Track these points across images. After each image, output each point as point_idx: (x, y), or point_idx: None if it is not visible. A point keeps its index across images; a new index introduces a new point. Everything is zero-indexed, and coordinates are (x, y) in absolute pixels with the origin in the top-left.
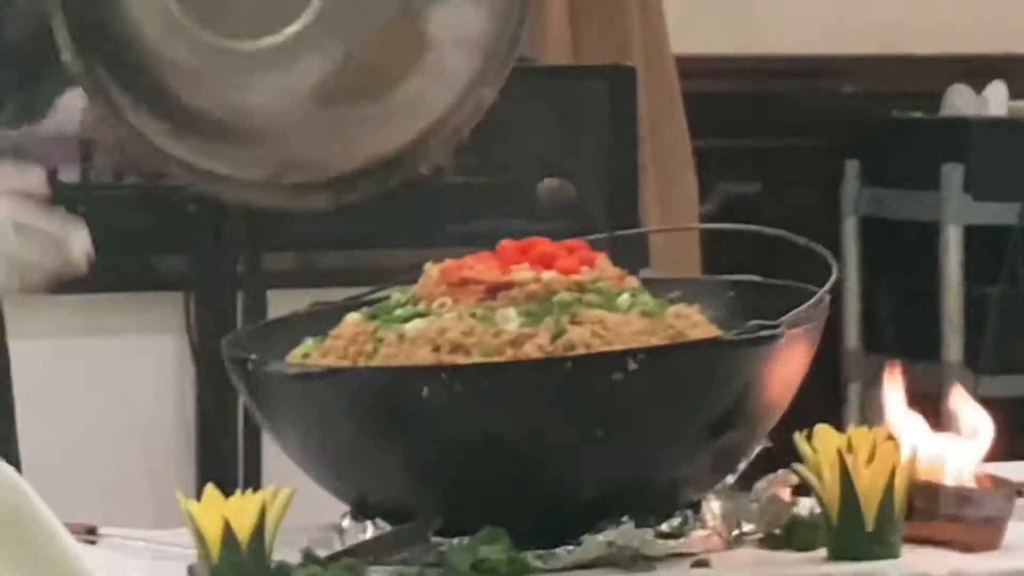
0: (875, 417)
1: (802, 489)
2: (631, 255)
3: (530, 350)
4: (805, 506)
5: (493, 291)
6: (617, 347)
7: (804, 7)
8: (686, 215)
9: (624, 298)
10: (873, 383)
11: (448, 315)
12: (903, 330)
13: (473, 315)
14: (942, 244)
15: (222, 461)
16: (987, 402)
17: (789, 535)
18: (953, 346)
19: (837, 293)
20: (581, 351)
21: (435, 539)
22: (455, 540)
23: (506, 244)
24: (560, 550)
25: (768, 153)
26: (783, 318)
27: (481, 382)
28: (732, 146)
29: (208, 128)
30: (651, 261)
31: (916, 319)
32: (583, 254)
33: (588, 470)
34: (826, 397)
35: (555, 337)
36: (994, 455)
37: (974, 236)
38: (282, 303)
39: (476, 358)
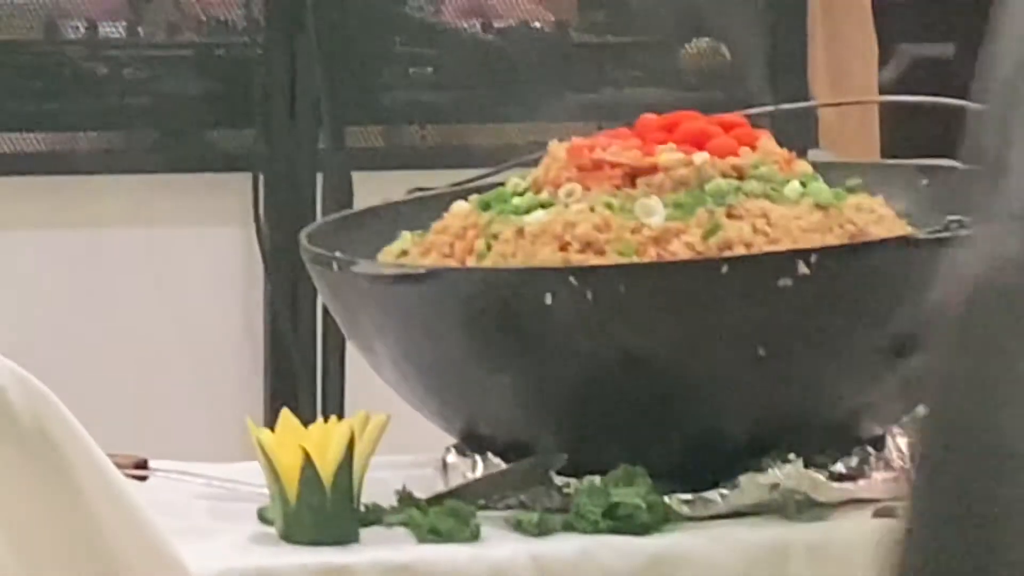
0: None
1: None
2: (797, 134)
3: (678, 249)
4: None
5: (632, 177)
6: (784, 246)
7: None
8: (863, 84)
9: (793, 186)
10: None
11: (577, 206)
12: None
13: (608, 206)
14: None
15: (298, 381)
16: None
17: None
18: None
19: None
20: (740, 251)
21: (558, 479)
22: (583, 480)
23: (648, 119)
24: (712, 493)
25: (963, 8)
26: None
27: (617, 288)
28: None
29: None
30: (821, 141)
31: None
32: (742, 132)
33: (747, 397)
34: None
35: (708, 234)
36: None
37: None
38: (371, 188)
39: (612, 258)
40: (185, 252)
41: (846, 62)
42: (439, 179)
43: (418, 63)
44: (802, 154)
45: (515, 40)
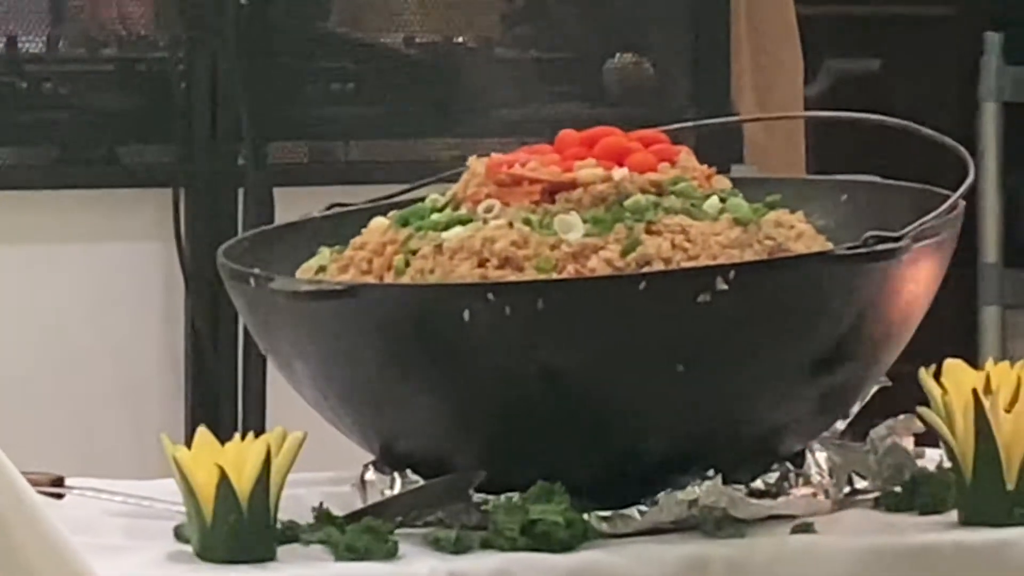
0: (1019, 349)
1: (929, 438)
2: (721, 149)
3: (596, 265)
4: (932, 459)
5: (551, 192)
6: (703, 262)
7: None
8: (788, 100)
9: (712, 202)
10: (1016, 306)
11: (496, 222)
12: None
13: (527, 222)
14: None
15: (217, 398)
16: None
17: (912, 494)
18: None
19: (972, 196)
20: (658, 267)
21: (477, 496)
22: (501, 497)
23: (567, 135)
24: (630, 510)
25: (890, 23)
26: (907, 228)
27: (536, 304)
28: (845, 14)
29: None
30: (746, 157)
31: None
32: (661, 148)
33: (665, 413)
34: (958, 325)
35: (627, 250)
36: None
37: None
38: (293, 204)
39: (530, 274)
40: (106, 268)
41: (771, 77)
42: (362, 195)
43: (341, 79)
44: (726, 170)
45: (438, 55)
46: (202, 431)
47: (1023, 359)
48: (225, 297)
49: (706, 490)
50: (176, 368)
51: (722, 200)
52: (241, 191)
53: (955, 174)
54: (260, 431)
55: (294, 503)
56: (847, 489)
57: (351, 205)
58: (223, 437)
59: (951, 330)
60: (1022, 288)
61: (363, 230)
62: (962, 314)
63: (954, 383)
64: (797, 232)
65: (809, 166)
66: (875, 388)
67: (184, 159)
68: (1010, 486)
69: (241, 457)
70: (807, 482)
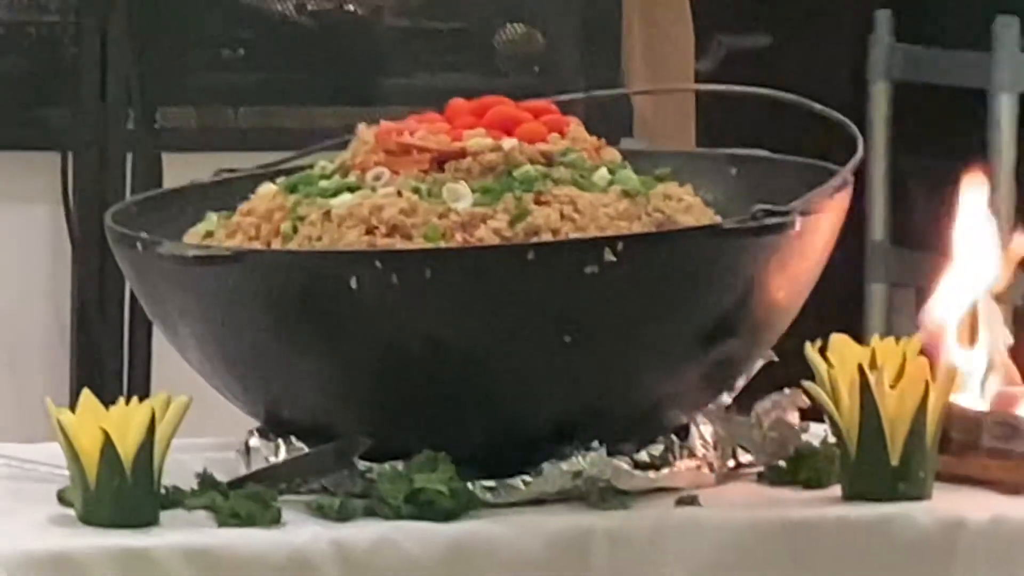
0: (904, 326)
1: (813, 413)
2: (611, 122)
3: (484, 235)
4: (816, 433)
5: (440, 161)
6: (591, 234)
7: None
8: (679, 74)
9: (601, 174)
10: (902, 284)
11: (384, 190)
12: (940, 221)
13: (415, 190)
14: (991, 117)
15: (103, 362)
16: None
17: (796, 468)
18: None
19: (861, 174)
20: (547, 237)
21: (361, 463)
22: (386, 465)
23: (457, 104)
24: (515, 480)
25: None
26: (795, 203)
27: (423, 272)
28: None
29: None
30: (636, 130)
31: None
32: (552, 119)
33: (551, 384)
34: (844, 302)
35: (516, 220)
36: None
37: None
38: (182, 169)
39: (418, 243)
40: None
41: (662, 51)
42: (250, 161)
43: (230, 45)
44: (616, 143)
45: (329, 23)
46: (86, 395)
47: (908, 336)
48: (112, 261)
49: (590, 461)
50: (62, 332)
51: (611, 172)
52: (130, 156)
53: (844, 152)
54: (145, 397)
55: (178, 469)
56: (731, 463)
57: (239, 171)
58: (108, 402)
59: (837, 307)
60: (908, 266)
61: (251, 196)
62: (848, 292)
63: (840, 358)
64: (686, 205)
65: (698, 141)
66: (761, 362)
67: (73, 123)
68: (894, 462)
69: (125, 421)
70: (692, 455)
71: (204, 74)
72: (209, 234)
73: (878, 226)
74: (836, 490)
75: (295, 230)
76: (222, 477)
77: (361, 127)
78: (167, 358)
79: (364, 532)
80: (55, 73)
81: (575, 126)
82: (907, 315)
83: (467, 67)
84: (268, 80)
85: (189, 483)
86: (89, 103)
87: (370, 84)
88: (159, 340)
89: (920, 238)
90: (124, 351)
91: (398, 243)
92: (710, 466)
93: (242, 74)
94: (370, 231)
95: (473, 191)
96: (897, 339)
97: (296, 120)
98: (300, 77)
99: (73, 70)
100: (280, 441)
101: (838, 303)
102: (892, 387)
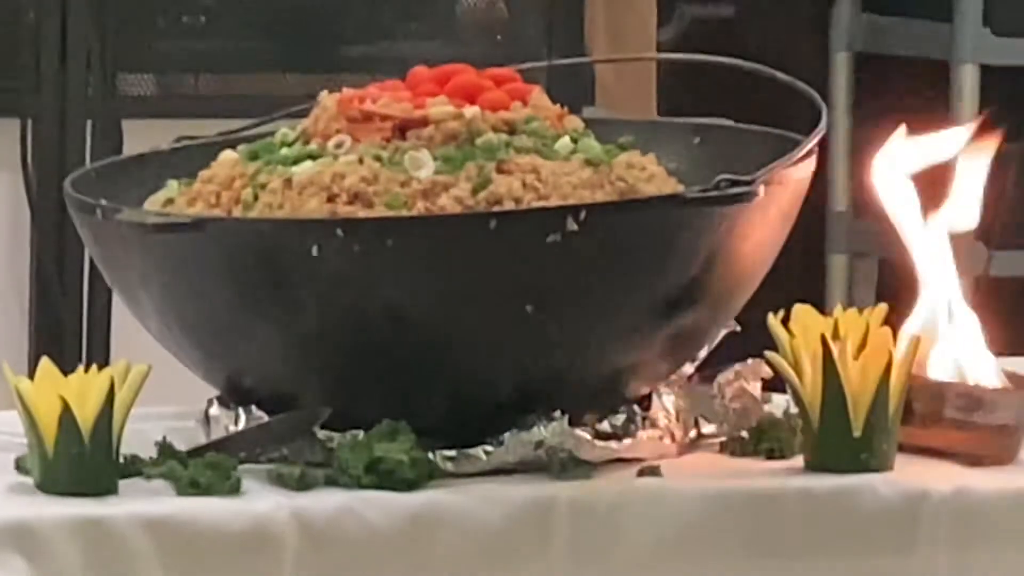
0: (865, 297)
1: (777, 381)
2: (572, 91)
3: (446, 203)
4: (779, 404)
5: (402, 129)
6: (553, 202)
7: None
8: (641, 43)
9: (564, 142)
10: (863, 254)
11: (346, 157)
12: None
13: (377, 158)
14: (954, 87)
15: (61, 331)
16: (1000, 282)
17: (758, 439)
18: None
19: (823, 144)
20: (509, 206)
21: (321, 433)
22: (347, 435)
23: (419, 71)
24: (476, 450)
25: None
26: (758, 172)
27: (385, 241)
28: None
29: None
30: (597, 100)
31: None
32: (514, 87)
33: (513, 354)
34: (805, 273)
35: (478, 188)
36: (1011, 348)
37: (992, 78)
38: (142, 137)
39: (379, 211)
40: None
41: (625, 20)
42: (211, 128)
43: (191, 11)
44: (578, 111)
45: None
46: (45, 362)
47: (869, 307)
48: (71, 229)
49: (552, 431)
50: (20, 299)
51: (574, 140)
52: (89, 123)
53: (806, 122)
54: (104, 365)
55: (137, 437)
56: (693, 433)
57: (200, 138)
58: (67, 370)
59: (798, 278)
60: (869, 237)
61: (212, 164)
62: (809, 263)
63: (802, 329)
64: (649, 174)
65: (659, 111)
66: (723, 332)
67: (32, 89)
68: (857, 433)
69: (84, 389)
70: (654, 425)
71: (164, 40)
72: (169, 201)
73: (840, 197)
74: (798, 461)
75: (256, 198)
76: (181, 446)
77: (323, 94)
78: (126, 326)
79: (324, 501)
80: (14, 39)
81: (538, 94)
82: (868, 286)
83: (430, 35)
84: (229, 47)
85: (148, 452)
86: (48, 70)
87: (332, 52)
88: (118, 308)
89: (881, 209)
90: (83, 319)
91: (360, 211)
92: (672, 437)
93: (203, 41)
94: (331, 199)
95: (435, 159)
96: (860, 310)
97: (257, 87)
98: (261, 44)
99: (33, 36)
100: (240, 410)
101: (799, 274)
102: (855, 358)
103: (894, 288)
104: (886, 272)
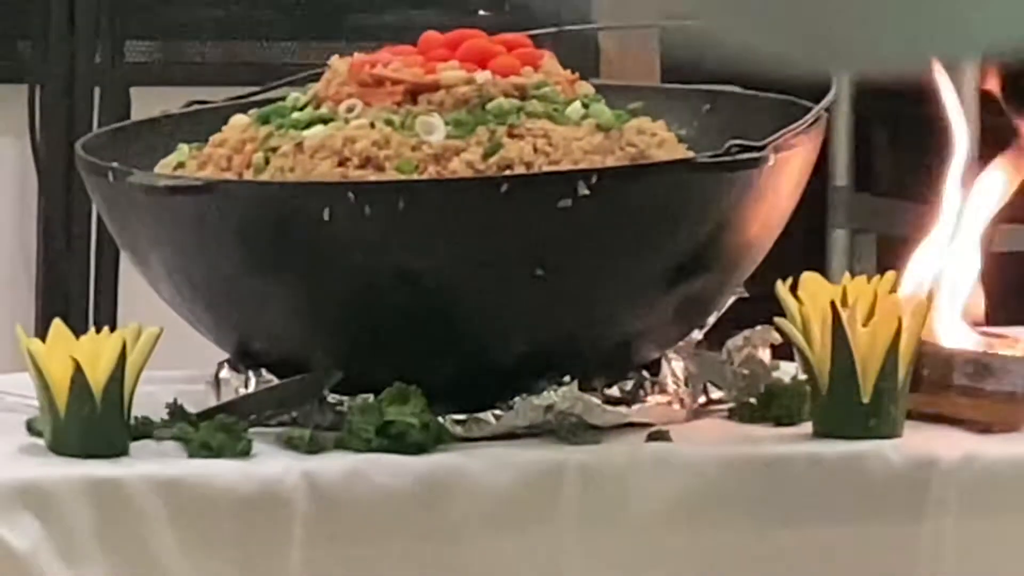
0: (866, 272)
1: (785, 350)
2: (577, 63)
3: (457, 167)
4: (787, 371)
5: (414, 93)
6: (564, 167)
7: None
8: (647, 9)
9: (575, 108)
10: (864, 230)
11: (357, 121)
12: (904, 167)
13: (388, 122)
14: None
15: (68, 295)
16: (1003, 256)
17: (767, 405)
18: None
19: (826, 120)
20: (520, 170)
21: (332, 396)
22: (357, 398)
23: (431, 36)
24: (485, 414)
25: None
26: (769, 139)
27: (396, 204)
28: None
29: None
30: (602, 71)
31: (920, 153)
32: (525, 52)
33: (523, 318)
34: (806, 248)
35: (489, 153)
36: (1019, 318)
37: None
38: (149, 104)
39: (390, 175)
40: None
41: None
42: (218, 95)
43: None
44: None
45: None
46: (57, 324)
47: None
48: (78, 194)
49: (562, 396)
50: (28, 264)
51: (585, 106)
52: (97, 89)
53: (817, 88)
54: (114, 327)
55: (148, 400)
56: (702, 399)
57: (212, 103)
58: (78, 332)
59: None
60: (871, 212)
61: (223, 127)
62: (810, 237)
63: (810, 296)
64: (659, 140)
65: (664, 80)
66: (732, 299)
67: (40, 56)
68: (865, 399)
69: (96, 351)
70: (663, 390)
71: (172, 8)
72: (180, 165)
73: (841, 171)
74: (807, 427)
75: (267, 161)
76: (192, 409)
77: (334, 59)
78: (134, 290)
79: (335, 464)
80: (23, 5)
81: (549, 59)
82: (869, 261)
83: (438, 4)
84: (237, 14)
85: (159, 415)
86: (57, 36)
87: (340, 20)
88: (126, 272)
89: (883, 184)
90: (90, 283)
91: (371, 175)
92: (681, 402)
93: (210, 8)
94: (342, 163)
95: (446, 124)
96: (868, 278)
97: (264, 55)
98: (269, 12)
99: (41, 3)
100: (250, 373)
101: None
102: (864, 325)
103: (894, 264)
104: (885, 247)
